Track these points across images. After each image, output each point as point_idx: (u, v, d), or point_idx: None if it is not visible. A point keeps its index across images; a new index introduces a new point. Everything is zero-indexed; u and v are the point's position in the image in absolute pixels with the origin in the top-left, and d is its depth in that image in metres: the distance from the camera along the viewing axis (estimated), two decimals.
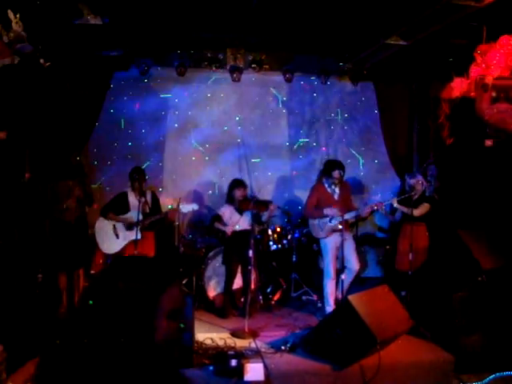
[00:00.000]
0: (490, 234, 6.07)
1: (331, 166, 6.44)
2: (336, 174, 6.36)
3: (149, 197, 6.51)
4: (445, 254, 6.35)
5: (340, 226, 6.17)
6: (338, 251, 6.37)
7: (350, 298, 4.82)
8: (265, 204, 6.77)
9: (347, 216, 6.24)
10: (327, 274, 6.43)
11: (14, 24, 4.82)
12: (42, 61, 5.40)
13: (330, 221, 6.36)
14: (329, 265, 6.42)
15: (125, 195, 6.49)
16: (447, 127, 7.94)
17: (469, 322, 5.28)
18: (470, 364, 5.01)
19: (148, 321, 3.77)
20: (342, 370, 4.71)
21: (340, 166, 6.42)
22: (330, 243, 6.42)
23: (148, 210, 6.39)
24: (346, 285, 6.26)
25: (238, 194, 6.57)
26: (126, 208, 6.41)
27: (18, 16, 4.86)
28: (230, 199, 6.70)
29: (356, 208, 6.55)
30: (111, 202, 6.59)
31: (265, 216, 6.63)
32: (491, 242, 5.96)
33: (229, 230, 6.58)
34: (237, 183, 6.67)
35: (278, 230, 7.26)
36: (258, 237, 7.14)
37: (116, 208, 6.47)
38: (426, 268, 6.27)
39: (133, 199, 6.41)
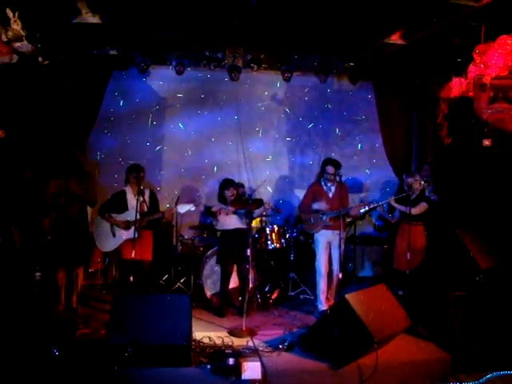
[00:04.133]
0: (487, 234, 6.08)
1: (325, 163, 6.56)
2: (329, 169, 6.43)
3: (147, 195, 6.45)
4: (443, 254, 6.36)
5: (330, 223, 6.35)
6: (329, 249, 6.52)
7: (348, 296, 4.82)
8: (256, 202, 6.76)
9: (334, 213, 6.32)
10: (318, 271, 6.55)
11: (12, 23, 4.82)
12: (40, 59, 5.40)
13: (321, 217, 6.45)
14: (320, 261, 6.53)
15: (123, 194, 6.45)
16: (446, 127, 7.93)
17: (466, 321, 5.29)
18: (467, 363, 5.02)
19: None
20: (339, 369, 4.71)
21: (333, 163, 6.48)
22: (321, 239, 6.53)
23: (146, 209, 6.35)
24: (333, 290, 6.50)
25: (229, 195, 6.54)
26: (124, 207, 6.37)
27: (16, 14, 4.86)
28: (221, 199, 6.63)
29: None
30: (109, 201, 6.54)
31: (256, 213, 6.60)
32: (489, 242, 5.98)
33: (228, 209, 6.52)
34: (226, 183, 6.63)
35: (276, 229, 7.25)
36: (256, 236, 7.13)
37: (114, 207, 6.42)
38: (423, 267, 6.27)
39: (131, 198, 6.37)
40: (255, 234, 7.12)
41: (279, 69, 8.13)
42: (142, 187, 6.24)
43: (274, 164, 8.59)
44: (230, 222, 6.57)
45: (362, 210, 6.43)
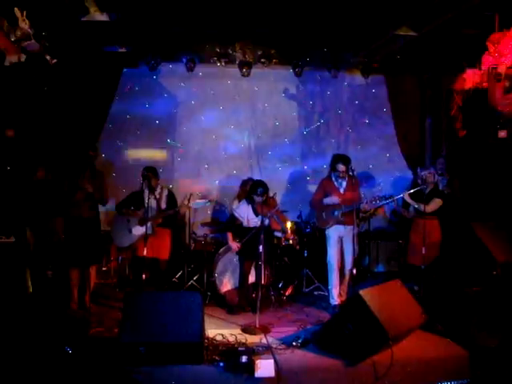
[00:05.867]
0: (504, 227, 5.96)
1: (335, 160, 6.47)
2: (339, 167, 6.36)
3: (165, 194, 6.63)
4: (458, 248, 6.26)
5: (342, 218, 6.30)
6: (341, 244, 6.48)
7: (362, 292, 4.74)
8: (282, 219, 6.73)
9: (347, 208, 6.26)
10: (329, 266, 6.51)
11: (20, 21, 4.82)
12: (48, 58, 5.39)
13: (333, 213, 6.40)
14: (331, 256, 6.49)
15: (140, 193, 6.59)
16: (460, 119, 7.84)
17: (483, 316, 5.19)
18: (484, 360, 4.92)
19: None
20: (353, 366, 4.64)
21: (343, 160, 6.40)
22: (333, 235, 6.48)
23: (164, 207, 6.52)
24: (345, 285, 6.44)
25: (258, 200, 6.30)
26: (141, 204, 6.47)
27: (24, 14, 4.85)
28: (250, 199, 6.45)
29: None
30: (126, 198, 6.71)
31: (279, 234, 6.74)
32: (506, 235, 5.86)
33: (234, 247, 6.55)
34: (258, 187, 6.29)
35: (290, 225, 7.18)
36: (279, 235, 7.07)
37: (131, 205, 6.57)
38: (439, 262, 6.18)
39: (149, 196, 6.41)
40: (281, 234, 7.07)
41: (290, 64, 8.06)
42: (159, 186, 6.56)
43: (287, 159, 8.52)
44: (252, 222, 6.50)
45: (374, 203, 6.32)
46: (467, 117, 7.67)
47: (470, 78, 7.49)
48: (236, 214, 6.58)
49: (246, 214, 6.51)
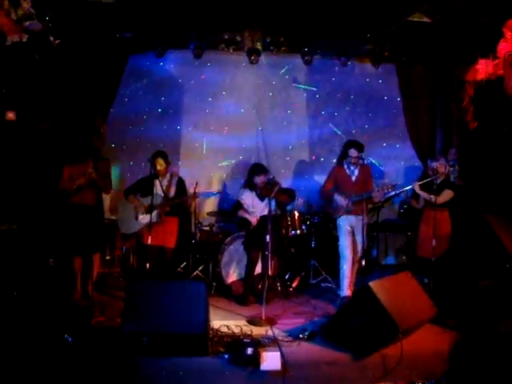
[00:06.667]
0: None
1: (348, 145, 6.36)
2: (352, 152, 6.23)
3: (174, 181, 6.49)
4: (469, 241, 6.13)
5: (352, 207, 6.15)
6: (352, 234, 6.30)
7: (371, 284, 4.63)
8: (288, 192, 6.63)
9: (356, 197, 6.12)
10: (342, 256, 6.32)
11: (22, 1, 4.70)
12: (52, 38, 5.27)
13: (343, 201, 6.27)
14: (343, 246, 6.31)
15: (150, 179, 6.34)
16: (471, 111, 7.69)
17: (496, 310, 5.06)
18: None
19: None
20: (362, 359, 4.53)
21: (357, 145, 6.29)
22: (344, 224, 6.32)
23: (173, 194, 6.39)
24: (353, 276, 6.28)
25: (259, 181, 6.39)
26: (150, 191, 6.23)
27: None
28: (250, 185, 6.52)
29: None
30: (136, 183, 6.58)
31: (289, 206, 6.49)
32: None
33: (254, 220, 6.43)
34: (257, 169, 6.48)
35: (297, 215, 7.05)
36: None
37: (140, 190, 6.42)
38: (449, 255, 6.04)
39: (157, 183, 6.34)
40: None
41: (299, 52, 7.91)
42: (168, 173, 6.46)
43: (295, 149, 8.39)
44: (257, 208, 6.46)
45: (385, 195, 6.20)
46: (479, 108, 7.52)
47: (483, 69, 7.32)
48: (241, 201, 6.52)
49: (250, 201, 6.46)
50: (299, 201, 6.54)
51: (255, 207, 6.49)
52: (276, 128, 8.33)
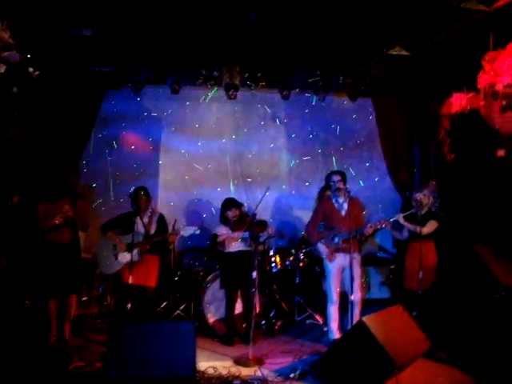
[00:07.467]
0: (506, 248, 5.78)
1: (329, 174, 6.21)
2: (335, 177, 6.03)
3: (155, 218, 6.28)
4: (457, 271, 6.06)
5: (343, 245, 5.85)
6: (342, 273, 5.99)
7: (365, 319, 4.49)
8: (261, 224, 6.51)
9: (347, 235, 5.75)
10: (329, 298, 6.04)
11: (0, 31, 4.57)
12: (31, 70, 5.13)
13: (332, 239, 5.99)
14: (330, 288, 6.01)
15: (131, 215, 6.14)
16: (448, 143, 7.77)
17: (488, 341, 4.96)
18: None
19: None
20: None
21: (336, 171, 6.23)
22: (333, 264, 5.99)
23: (153, 232, 6.17)
24: (354, 317, 5.71)
25: (231, 215, 6.35)
26: (131, 228, 6.03)
27: (5, 23, 4.61)
28: (223, 219, 6.45)
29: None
30: (115, 219, 6.31)
31: (263, 237, 6.38)
32: (509, 256, 5.67)
33: (234, 236, 6.30)
34: (228, 203, 6.43)
35: (280, 251, 6.91)
36: (259, 258, 6.77)
37: (119, 227, 6.18)
38: (437, 286, 5.95)
39: (138, 220, 6.14)
40: (259, 256, 6.76)
41: (277, 87, 7.91)
42: (149, 210, 6.28)
43: (274, 183, 8.25)
44: (233, 244, 6.31)
45: (377, 227, 6.00)
46: (455, 140, 7.60)
47: (457, 102, 7.45)
48: (217, 232, 6.44)
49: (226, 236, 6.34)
50: (271, 229, 6.38)
51: (230, 243, 6.36)
52: (255, 162, 8.27)
